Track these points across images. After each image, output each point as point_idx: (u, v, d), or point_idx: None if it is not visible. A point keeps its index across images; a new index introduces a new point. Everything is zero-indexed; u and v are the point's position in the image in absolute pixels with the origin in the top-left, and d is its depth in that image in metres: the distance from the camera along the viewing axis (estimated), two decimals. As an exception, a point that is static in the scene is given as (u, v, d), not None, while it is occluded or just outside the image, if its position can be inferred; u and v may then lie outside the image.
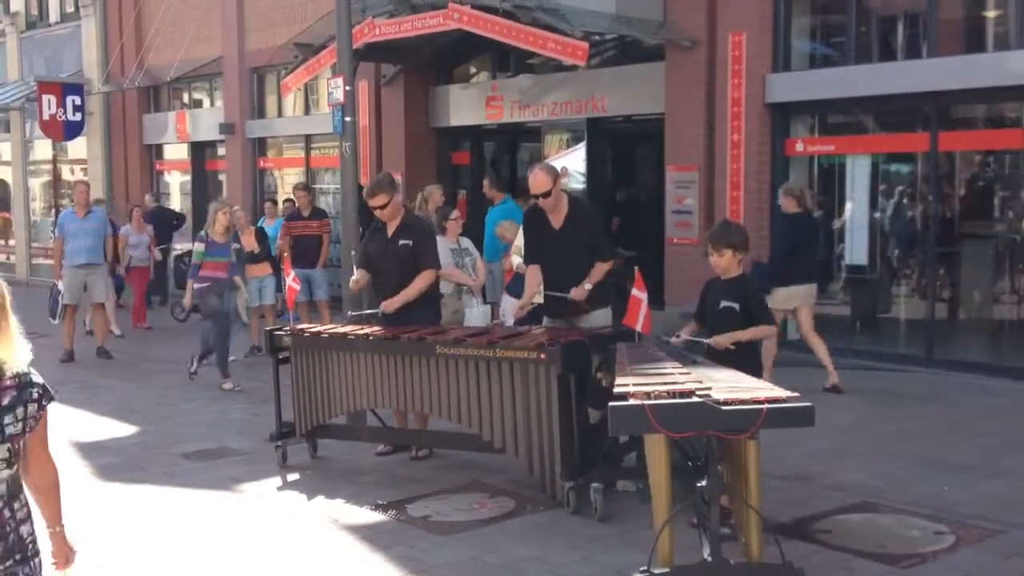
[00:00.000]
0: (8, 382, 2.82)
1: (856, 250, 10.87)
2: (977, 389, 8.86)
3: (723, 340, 5.41)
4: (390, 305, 7.10)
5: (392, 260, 7.17)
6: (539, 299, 7.29)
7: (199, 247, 10.30)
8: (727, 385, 4.27)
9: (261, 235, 11.94)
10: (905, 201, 10.66)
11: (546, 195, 6.66)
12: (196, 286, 10.19)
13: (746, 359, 5.31)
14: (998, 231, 10.09)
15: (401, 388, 6.55)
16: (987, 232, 10.20)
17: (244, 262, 11.36)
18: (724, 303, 5.52)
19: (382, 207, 7.16)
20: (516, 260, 9.24)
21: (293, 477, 6.98)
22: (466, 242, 9.12)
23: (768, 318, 5.63)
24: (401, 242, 7.17)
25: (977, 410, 8.30)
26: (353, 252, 7.92)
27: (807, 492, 6.17)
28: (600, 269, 6.71)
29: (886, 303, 11.06)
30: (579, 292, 6.61)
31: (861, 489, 6.27)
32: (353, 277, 7.39)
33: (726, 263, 5.55)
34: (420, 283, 7.12)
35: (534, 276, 6.96)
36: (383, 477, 6.89)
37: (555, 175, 6.75)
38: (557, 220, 6.78)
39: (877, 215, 10.76)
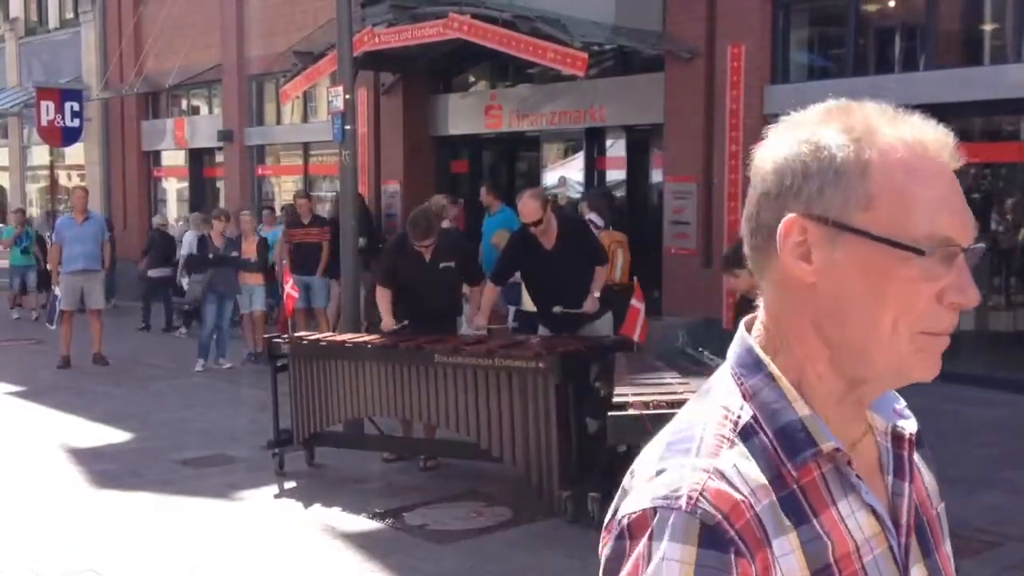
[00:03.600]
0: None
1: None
2: (975, 402, 8.85)
3: None
4: (477, 323, 7.10)
5: (435, 282, 7.10)
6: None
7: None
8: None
9: (263, 245, 11.92)
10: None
11: (538, 223, 6.64)
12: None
13: None
14: (996, 243, 10.09)
15: (399, 396, 6.55)
16: (985, 244, 10.19)
17: (241, 268, 11.38)
18: None
19: (429, 246, 7.05)
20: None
21: (290, 485, 6.96)
22: None
23: None
24: (443, 264, 7.11)
25: (975, 422, 8.30)
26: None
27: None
28: (600, 274, 6.80)
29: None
30: (591, 303, 6.70)
31: (858, 500, 6.27)
32: (386, 322, 7.20)
33: (744, 285, 5.22)
34: (488, 294, 7.19)
35: (491, 296, 7.15)
36: (380, 485, 6.88)
37: (545, 201, 6.76)
38: (548, 241, 6.74)
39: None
